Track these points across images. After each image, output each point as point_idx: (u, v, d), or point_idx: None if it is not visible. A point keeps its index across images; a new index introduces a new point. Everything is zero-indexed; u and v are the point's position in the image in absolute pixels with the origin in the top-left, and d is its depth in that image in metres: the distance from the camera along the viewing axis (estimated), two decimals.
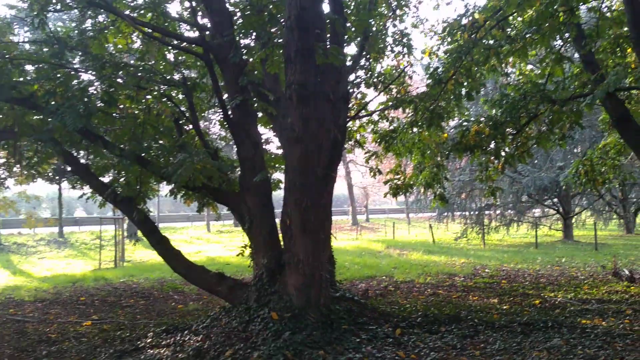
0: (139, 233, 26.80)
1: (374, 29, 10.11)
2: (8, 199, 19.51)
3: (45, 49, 8.55)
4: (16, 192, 20.66)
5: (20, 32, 9.55)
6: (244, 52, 8.27)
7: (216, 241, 32.95)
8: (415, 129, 10.19)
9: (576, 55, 10.21)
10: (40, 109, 7.85)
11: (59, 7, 8.07)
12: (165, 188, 12.58)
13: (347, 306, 7.89)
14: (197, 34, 8.88)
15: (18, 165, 11.17)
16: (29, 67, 8.71)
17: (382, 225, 41.71)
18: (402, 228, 38.79)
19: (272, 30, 7.67)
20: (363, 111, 11.31)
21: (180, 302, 11.42)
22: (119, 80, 7.84)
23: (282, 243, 7.76)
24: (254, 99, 8.71)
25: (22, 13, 9.01)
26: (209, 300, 11.09)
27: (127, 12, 8.62)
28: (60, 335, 8.39)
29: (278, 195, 9.27)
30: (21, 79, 8.29)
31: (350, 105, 9.54)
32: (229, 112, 8.29)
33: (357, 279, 14.11)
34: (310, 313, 7.04)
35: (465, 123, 9.90)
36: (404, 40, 10.57)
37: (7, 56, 7.92)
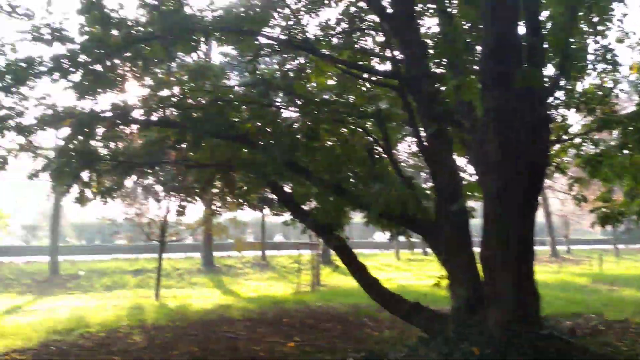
0: (334, 258, 28.09)
1: (573, 46, 9.47)
2: (221, 225, 21.78)
3: (253, 90, 9.48)
4: (226, 218, 22.97)
5: (230, 76, 10.73)
6: (438, 80, 8.29)
7: (406, 269, 32.87)
8: (625, 152, 9.25)
9: None
10: (253, 145, 8.67)
11: (268, 51, 8.91)
12: (357, 215, 13.02)
13: (553, 345, 7.30)
14: (387, 66, 9.16)
15: (231, 195, 12.42)
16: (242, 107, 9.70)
17: (586, 257, 38.02)
18: (609, 260, 34.90)
19: (466, 57, 7.59)
20: (564, 135, 10.60)
21: (375, 329, 11.59)
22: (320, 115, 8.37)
23: (481, 274, 7.49)
24: (448, 127, 8.66)
25: (234, 59, 10.11)
26: (403, 329, 11.06)
27: (325, 51, 9.22)
28: (267, 353, 9.01)
29: (474, 223, 9.01)
30: (236, 119, 9.27)
31: (549, 128, 9.00)
32: (424, 141, 8.33)
33: (560, 315, 12.97)
34: (514, 350, 6.65)
35: None
36: (608, 56, 9.77)
37: (224, 99, 8.92)
